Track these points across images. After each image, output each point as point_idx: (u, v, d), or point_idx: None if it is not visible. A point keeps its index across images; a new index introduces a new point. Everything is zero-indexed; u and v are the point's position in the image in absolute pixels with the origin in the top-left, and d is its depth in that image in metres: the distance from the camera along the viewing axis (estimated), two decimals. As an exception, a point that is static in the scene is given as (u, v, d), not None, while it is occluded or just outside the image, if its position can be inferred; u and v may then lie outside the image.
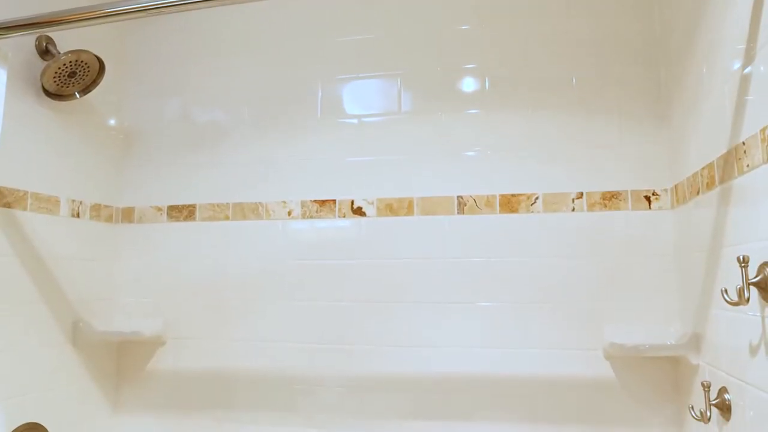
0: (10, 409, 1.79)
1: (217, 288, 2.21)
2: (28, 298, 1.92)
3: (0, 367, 1.80)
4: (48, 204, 2.01)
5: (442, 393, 2.00)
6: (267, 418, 2.13)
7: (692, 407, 1.53)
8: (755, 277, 1.17)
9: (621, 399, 1.89)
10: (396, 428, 2.02)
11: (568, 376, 1.92)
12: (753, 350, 1.26)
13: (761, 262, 1.18)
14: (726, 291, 1.22)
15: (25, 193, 1.92)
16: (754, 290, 1.20)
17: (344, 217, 2.13)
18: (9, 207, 1.86)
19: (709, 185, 1.53)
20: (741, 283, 1.15)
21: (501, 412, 1.96)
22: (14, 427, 1.83)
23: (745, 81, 1.30)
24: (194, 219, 2.26)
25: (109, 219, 2.30)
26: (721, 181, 1.44)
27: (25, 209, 1.92)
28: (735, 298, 1.18)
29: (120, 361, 2.29)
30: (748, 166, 1.27)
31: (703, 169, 1.58)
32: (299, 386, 2.11)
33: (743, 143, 1.29)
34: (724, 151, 1.42)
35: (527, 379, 1.95)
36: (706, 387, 1.46)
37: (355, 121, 2.19)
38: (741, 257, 1.16)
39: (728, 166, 1.38)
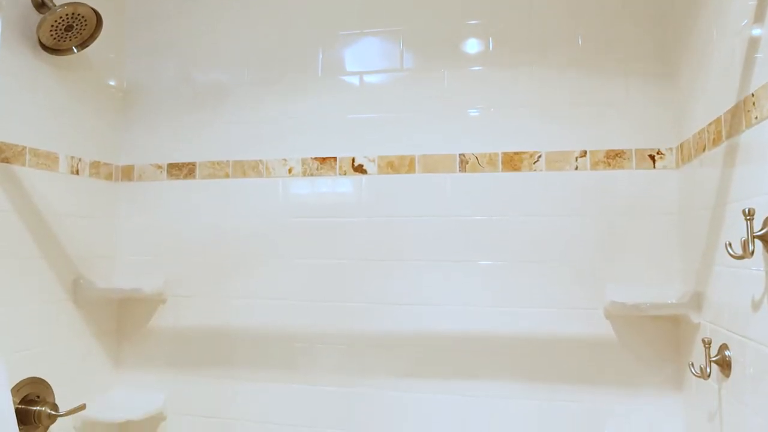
0: (12, 363, 1.79)
1: (217, 246, 2.21)
2: (28, 253, 1.91)
3: (1, 322, 1.81)
4: (47, 160, 1.99)
5: (442, 351, 2.00)
6: (266, 376, 2.14)
7: (692, 364, 1.53)
8: (760, 230, 1.16)
9: (621, 358, 1.89)
10: (395, 386, 2.04)
11: (569, 334, 1.92)
12: (756, 305, 1.25)
13: (767, 215, 1.17)
14: (730, 245, 1.21)
15: (24, 148, 1.91)
16: (758, 243, 1.18)
17: (345, 174, 2.11)
18: (7, 162, 1.85)
19: (716, 141, 1.50)
20: (746, 236, 1.14)
21: (501, 371, 1.96)
22: (17, 382, 1.85)
23: (754, 37, 1.27)
24: (194, 177, 2.25)
25: (108, 177, 2.29)
26: (728, 136, 1.41)
27: (23, 164, 1.90)
28: (739, 252, 1.17)
29: (121, 319, 2.29)
30: (756, 118, 1.24)
31: (709, 125, 1.55)
32: (299, 344, 2.11)
33: (752, 95, 1.26)
34: (732, 104, 1.39)
35: (527, 337, 1.95)
36: (707, 343, 1.46)
37: (356, 78, 2.15)
38: (746, 210, 1.14)
39: (736, 119, 1.36)
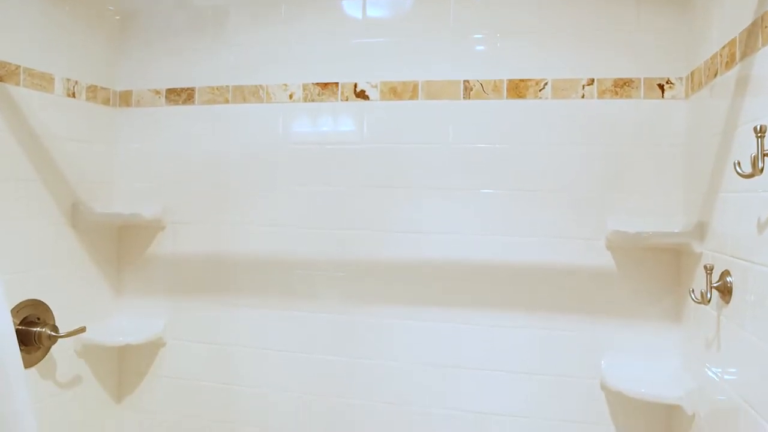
0: (11, 285, 1.79)
1: (217, 172, 2.18)
2: (25, 175, 1.89)
3: (1, 242, 1.81)
4: (42, 81, 1.95)
5: (441, 280, 2.00)
6: (265, 302, 2.14)
7: (692, 290, 1.52)
8: (771, 148, 1.13)
9: (620, 289, 1.89)
10: (393, 313, 2.04)
11: (569, 265, 1.91)
12: (761, 227, 1.23)
13: (779, 133, 1.14)
14: (739, 164, 1.18)
15: (18, 67, 1.86)
16: (769, 161, 1.16)
17: (347, 101, 2.07)
18: (1, 81, 1.81)
19: (728, 64, 1.46)
20: (756, 152, 1.11)
21: (500, 300, 1.97)
22: (16, 303, 1.85)
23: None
24: (193, 102, 2.21)
25: (106, 102, 2.24)
26: (743, 57, 1.37)
27: (18, 84, 1.86)
28: (748, 170, 1.14)
29: (121, 245, 2.29)
30: (773, 33, 1.20)
31: (723, 48, 1.51)
32: (298, 271, 2.11)
33: (770, 10, 1.22)
34: (748, 23, 1.34)
35: (528, 267, 1.94)
36: (709, 270, 1.45)
37: (359, 2, 2.09)
38: (758, 126, 1.11)
39: (752, 38, 1.31)
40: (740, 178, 1.24)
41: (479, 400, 1.98)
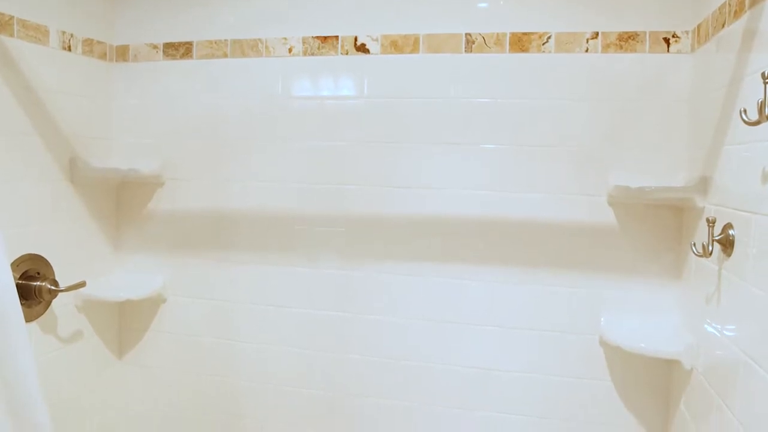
0: (10, 239, 1.77)
1: (216, 128, 2.16)
2: (22, 129, 1.87)
3: (-2, 197, 1.80)
4: (36, 33, 1.92)
5: (441, 235, 1.99)
6: (265, 258, 2.14)
7: (694, 244, 1.51)
8: (779, 93, 1.11)
9: (621, 246, 1.88)
10: (393, 269, 2.04)
11: (570, 221, 1.90)
12: (766, 177, 1.21)
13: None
14: (745, 111, 1.16)
15: (11, 17, 1.83)
16: (775, 108, 1.13)
17: (347, 54, 2.03)
18: (-5, 31, 1.78)
19: (737, 13, 1.43)
20: (763, 98, 1.09)
21: (500, 256, 1.96)
22: (15, 257, 1.84)
23: None
24: (191, 57, 2.17)
25: (102, 56, 2.21)
26: (752, 5, 1.34)
27: (12, 35, 1.83)
28: (755, 117, 1.13)
29: (119, 202, 2.28)
30: (784, -22, 1.17)
31: (731, -3, 1.48)
32: (298, 226, 2.10)
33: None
34: (758, -31, 1.31)
35: (528, 222, 1.93)
36: (711, 222, 1.44)
37: (360, -47, 2.04)
38: (765, 72, 1.09)
39: (761, -16, 1.28)
40: (745, 128, 1.22)
41: (478, 355, 2.00)
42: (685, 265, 1.80)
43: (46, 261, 1.96)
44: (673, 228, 1.85)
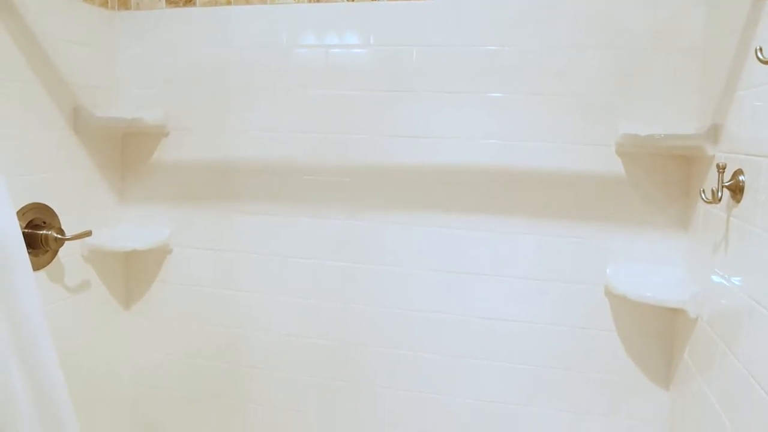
0: (15, 187, 1.76)
1: (220, 77, 2.13)
2: (24, 77, 1.85)
3: (1, 145, 1.78)
4: (38, -21, 1.88)
5: (446, 185, 1.98)
6: (271, 209, 2.14)
7: (703, 191, 1.50)
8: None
9: (628, 197, 1.87)
10: (399, 219, 2.04)
11: (577, 171, 1.89)
12: (779, 118, 1.20)
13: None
14: (761, 49, 1.14)
15: (12, -37, 1.79)
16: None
17: (353, 1, 1.99)
18: (-6, -25, 1.75)
19: (754, -48, 1.39)
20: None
21: (506, 206, 1.95)
22: (21, 206, 1.84)
23: None
24: (194, 4, 2.14)
25: (104, 4, 2.17)
26: (769, -58, 1.30)
27: (13, -19, 1.80)
28: (770, 55, 1.10)
29: (124, 153, 2.26)
30: None
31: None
32: (304, 177, 2.09)
33: None
34: None
35: (535, 173, 1.92)
36: (721, 168, 1.42)
37: None
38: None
39: None
40: (760, 70, 1.20)
41: (483, 305, 2.00)
42: (693, 216, 1.79)
43: (52, 210, 1.96)
44: (681, 179, 1.83)
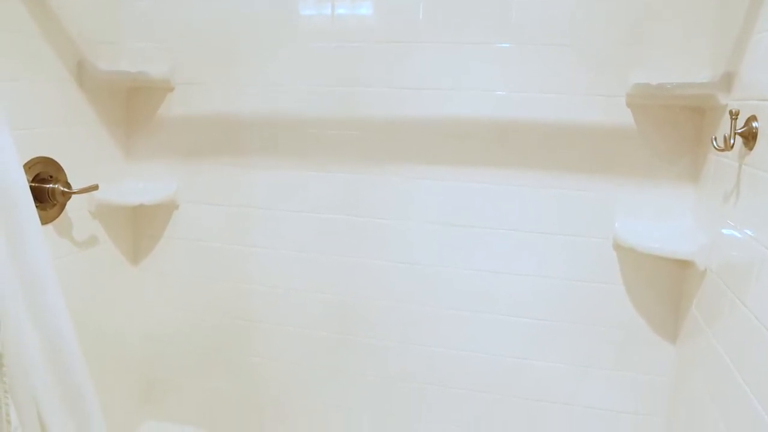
0: (20, 141, 1.75)
1: (227, 31, 2.10)
2: (27, 29, 1.82)
3: (5, 98, 1.77)
4: (38, -73, 1.85)
5: (454, 138, 1.97)
6: (278, 163, 2.13)
7: (715, 138, 1.48)
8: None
9: (638, 149, 1.85)
10: (406, 172, 2.03)
11: (587, 122, 1.87)
12: (795, 60, 1.17)
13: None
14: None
15: None
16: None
17: (359, -50, 1.96)
18: None
19: None
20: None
21: (514, 159, 1.94)
22: (27, 160, 1.84)
23: None
24: (198, -44, 2.10)
25: (107, -44, 2.14)
26: None
27: (14, -70, 1.77)
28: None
29: (129, 108, 2.25)
30: None
31: None
32: (312, 130, 2.08)
33: None
34: None
35: (544, 124, 1.89)
36: (734, 115, 1.40)
37: None
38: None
39: None
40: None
41: (490, 259, 2.00)
42: (703, 169, 1.77)
43: (58, 164, 1.95)
44: (692, 131, 1.81)
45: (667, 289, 1.89)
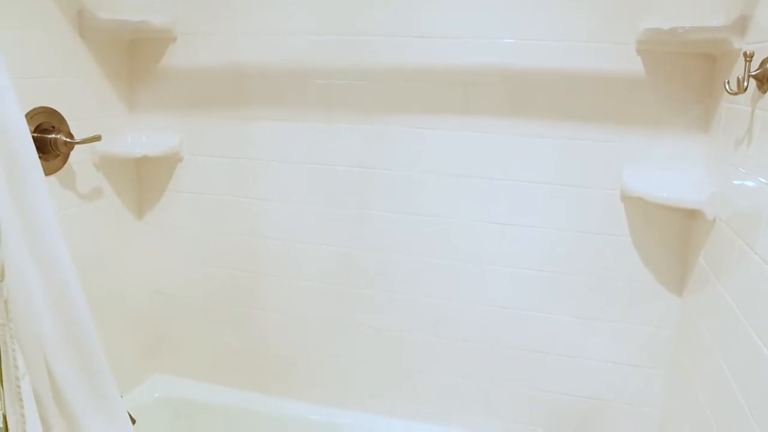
0: (21, 90, 1.72)
1: (228, -23, 2.06)
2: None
3: (3, 47, 1.74)
4: None
5: (461, 86, 1.93)
6: (282, 114, 2.10)
7: (728, 81, 1.44)
8: None
9: (648, 97, 1.81)
10: (413, 123, 2.00)
11: (595, 71, 1.83)
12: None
13: None
14: None
15: None
16: None
17: None
18: None
19: None
20: None
21: (521, 108, 1.90)
22: (28, 110, 1.82)
23: None
24: None
25: None
26: None
27: None
28: None
29: (131, 59, 2.21)
30: None
31: None
32: (317, 80, 2.04)
33: None
34: None
35: (551, 72, 1.86)
36: (749, 57, 1.36)
37: None
38: None
39: None
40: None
41: (497, 209, 1.99)
42: (714, 117, 1.74)
43: (60, 115, 1.93)
44: (704, 78, 1.77)
45: (674, 240, 1.87)
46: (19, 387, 1.35)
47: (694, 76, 1.77)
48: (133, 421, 1.68)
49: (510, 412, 2.13)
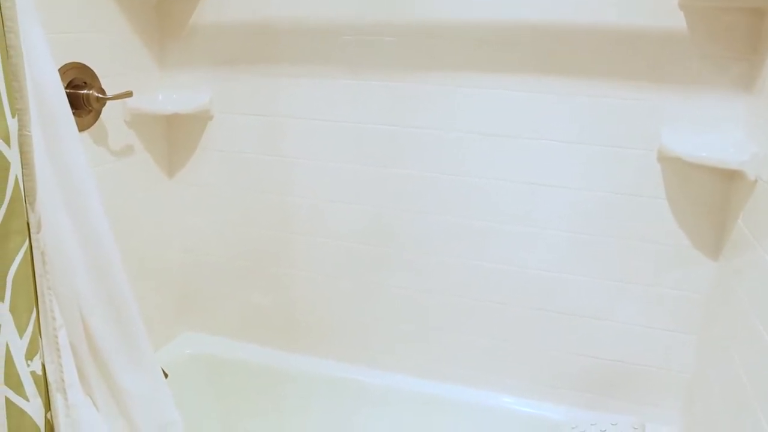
0: (53, 45, 1.73)
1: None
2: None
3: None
4: None
5: (492, 43, 1.88)
6: (312, 71, 2.07)
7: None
8: None
9: (689, 54, 1.74)
10: (443, 80, 1.95)
11: (634, 26, 1.76)
12: None
13: None
14: None
15: None
16: None
17: None
18: None
19: None
20: None
21: (556, 65, 1.85)
22: (61, 65, 1.82)
23: None
24: None
25: None
26: None
27: None
28: None
29: (162, 17, 2.18)
30: None
31: None
32: (347, 36, 2.01)
33: None
34: None
35: (587, 27, 1.79)
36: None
37: None
38: None
39: None
40: None
41: (530, 169, 1.95)
42: (759, 75, 1.67)
43: (92, 71, 1.93)
44: (750, 35, 1.69)
45: (712, 202, 1.83)
46: (56, 337, 1.37)
47: (740, 32, 1.70)
48: (166, 376, 1.71)
49: (540, 374, 2.13)
